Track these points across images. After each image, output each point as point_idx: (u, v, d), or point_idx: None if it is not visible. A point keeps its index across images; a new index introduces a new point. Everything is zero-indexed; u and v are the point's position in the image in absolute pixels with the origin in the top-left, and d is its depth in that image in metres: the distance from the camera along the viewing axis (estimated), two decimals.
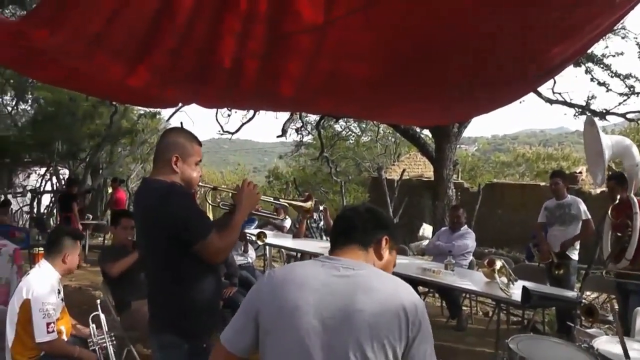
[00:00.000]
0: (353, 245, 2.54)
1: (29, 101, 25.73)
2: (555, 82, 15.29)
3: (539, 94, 14.96)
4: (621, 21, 9.16)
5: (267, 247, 11.47)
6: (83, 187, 23.65)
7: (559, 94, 15.69)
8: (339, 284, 2.32)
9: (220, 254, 3.57)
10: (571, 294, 6.89)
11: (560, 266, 8.42)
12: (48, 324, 4.77)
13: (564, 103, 15.55)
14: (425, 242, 15.79)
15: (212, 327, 3.75)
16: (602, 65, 14.02)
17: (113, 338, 4.89)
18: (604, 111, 14.24)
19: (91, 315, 4.99)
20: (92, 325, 4.90)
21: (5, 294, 7.68)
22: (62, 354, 4.87)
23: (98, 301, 4.99)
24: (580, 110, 15.33)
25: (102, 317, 4.93)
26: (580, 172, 21.59)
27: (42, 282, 4.96)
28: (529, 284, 6.44)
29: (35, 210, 21.94)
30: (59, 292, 5.12)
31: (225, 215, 4.45)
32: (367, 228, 2.59)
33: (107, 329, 4.98)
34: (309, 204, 4.33)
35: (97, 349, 4.86)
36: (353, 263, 2.43)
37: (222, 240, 3.53)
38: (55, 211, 23.13)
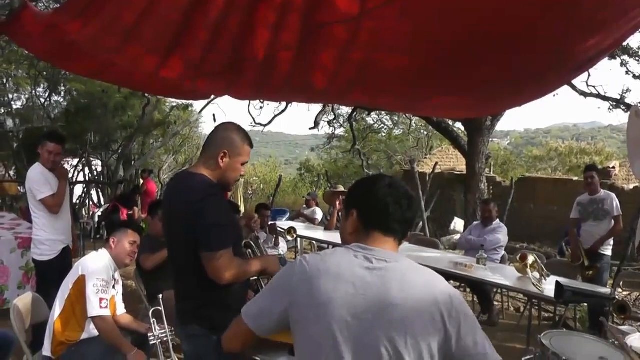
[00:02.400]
0: (391, 237, 2.45)
1: (62, 93, 25.99)
2: (589, 75, 15.20)
3: (573, 87, 14.85)
4: None
5: (299, 240, 11.48)
6: (116, 177, 23.96)
7: (593, 87, 15.59)
8: (372, 277, 2.26)
9: (225, 272, 3.42)
10: (604, 290, 6.83)
11: (590, 268, 8.36)
12: (101, 300, 4.88)
13: (598, 96, 15.43)
14: (457, 237, 15.74)
15: None
16: (637, 58, 13.88)
17: (173, 332, 4.91)
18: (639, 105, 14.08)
19: (152, 310, 5.02)
20: (153, 320, 4.93)
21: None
22: (112, 339, 4.92)
23: (160, 296, 5.02)
24: (614, 103, 15.20)
25: (163, 311, 4.96)
26: (614, 167, 21.39)
27: (97, 261, 5.13)
28: (561, 280, 6.39)
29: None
30: (113, 280, 5.27)
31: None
32: (412, 222, 2.55)
33: (167, 323, 5.01)
34: None
35: (158, 343, 4.89)
36: (386, 254, 2.35)
37: (236, 261, 3.51)
38: (87, 201, 23.37)
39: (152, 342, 4.90)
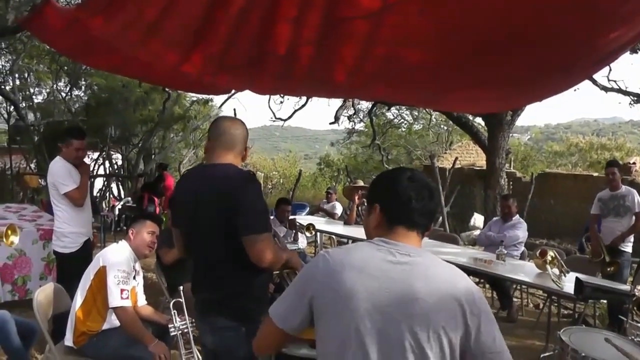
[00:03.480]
0: (415, 231, 2.46)
1: (83, 87, 26.34)
2: (610, 70, 15.14)
3: (594, 82, 14.80)
4: None
5: (318, 234, 11.50)
6: (136, 171, 24.11)
7: (614, 81, 15.55)
8: (395, 270, 2.27)
9: (267, 254, 3.50)
10: (624, 287, 6.81)
11: (611, 264, 8.32)
12: (122, 290, 4.93)
13: (619, 91, 15.39)
14: (476, 232, 15.71)
15: (265, 310, 3.80)
16: None
17: (194, 323, 4.95)
18: None
19: (172, 301, 5.06)
20: (174, 312, 4.97)
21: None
22: (134, 329, 4.98)
23: (181, 288, 5.06)
24: (635, 98, 15.13)
25: (184, 303, 5.00)
26: (634, 163, 21.25)
27: (117, 253, 5.19)
28: (581, 276, 6.38)
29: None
30: (134, 271, 5.31)
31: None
32: (434, 214, 2.57)
33: (187, 315, 5.04)
34: None
35: (178, 334, 4.93)
36: (409, 249, 2.36)
37: (274, 245, 3.65)
38: (108, 194, 23.54)
39: (172, 334, 4.93)
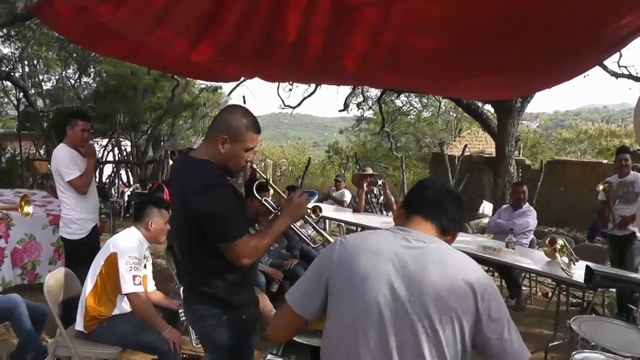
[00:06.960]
0: (430, 222, 2.55)
1: (92, 74, 26.48)
2: (621, 56, 15.03)
3: (605, 67, 14.68)
4: None
5: (327, 221, 11.48)
6: (145, 158, 24.21)
7: (625, 67, 15.41)
8: (410, 255, 2.36)
9: (244, 259, 3.37)
10: (634, 275, 6.79)
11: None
12: (134, 277, 4.97)
13: (630, 77, 15.26)
14: (485, 220, 15.67)
15: (251, 299, 3.78)
16: None
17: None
18: None
19: (182, 287, 5.09)
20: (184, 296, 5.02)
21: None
22: (147, 315, 5.02)
23: None
24: None
25: None
26: None
27: (128, 239, 5.20)
28: (590, 265, 6.35)
29: (97, 179, 22.39)
30: (144, 258, 5.33)
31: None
32: (456, 220, 2.61)
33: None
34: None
35: None
36: (424, 236, 2.46)
37: (251, 242, 3.40)
38: (117, 181, 23.64)
39: (182, 319, 4.97)
